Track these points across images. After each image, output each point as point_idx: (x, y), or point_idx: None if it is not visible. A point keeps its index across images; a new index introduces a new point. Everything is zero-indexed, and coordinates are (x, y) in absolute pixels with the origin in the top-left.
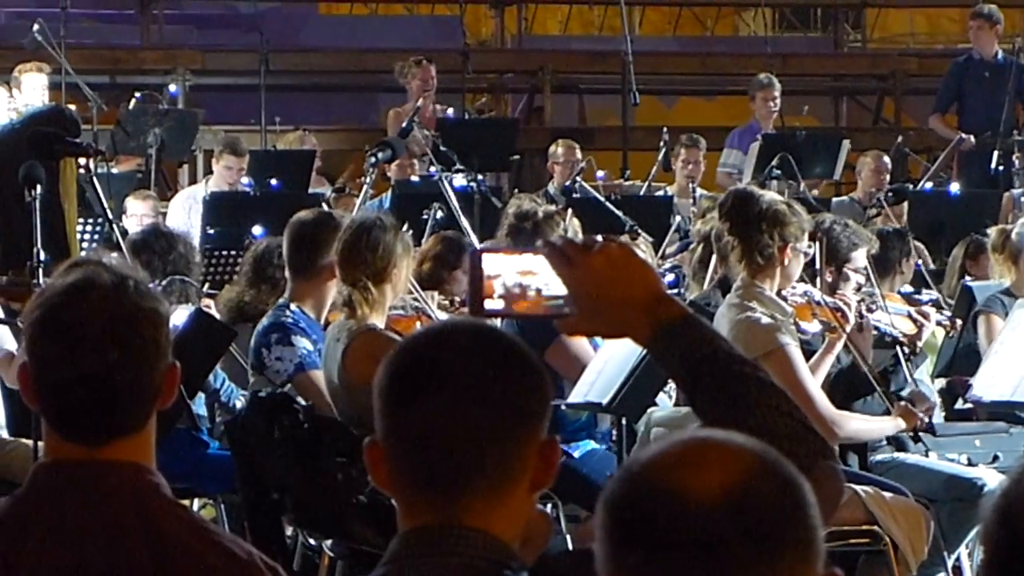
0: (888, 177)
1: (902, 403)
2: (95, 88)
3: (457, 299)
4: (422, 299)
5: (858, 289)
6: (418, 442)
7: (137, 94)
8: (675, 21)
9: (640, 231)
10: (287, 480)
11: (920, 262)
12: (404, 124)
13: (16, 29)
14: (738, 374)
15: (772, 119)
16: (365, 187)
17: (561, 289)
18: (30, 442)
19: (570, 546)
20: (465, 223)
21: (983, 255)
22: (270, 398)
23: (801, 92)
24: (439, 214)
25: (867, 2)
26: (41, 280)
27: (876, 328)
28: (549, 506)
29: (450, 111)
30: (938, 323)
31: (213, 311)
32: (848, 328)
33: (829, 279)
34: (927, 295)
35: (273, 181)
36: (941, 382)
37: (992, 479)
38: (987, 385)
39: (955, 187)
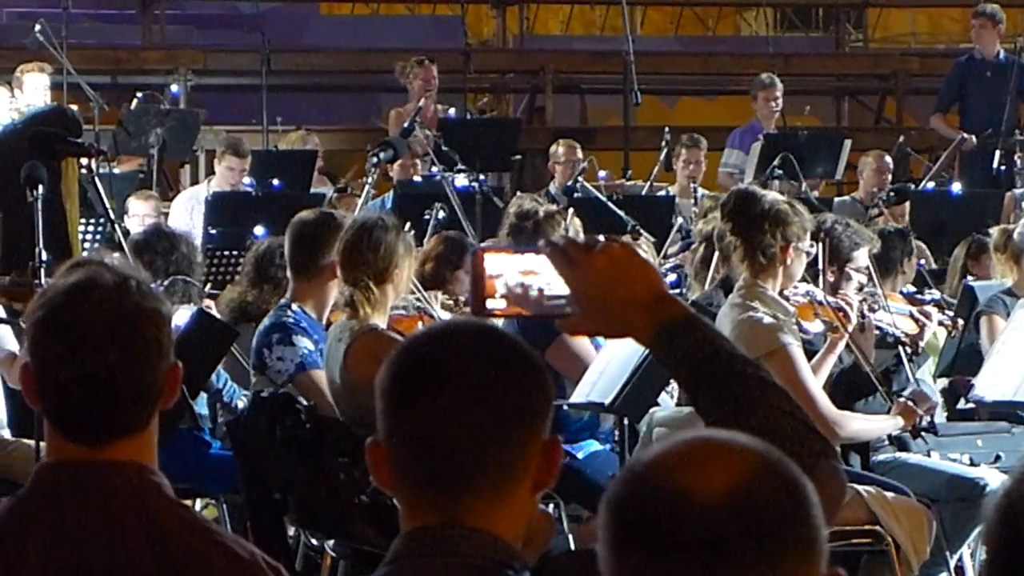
0: (890, 177)
1: (901, 400)
2: (97, 88)
3: (460, 299)
4: (424, 299)
5: (860, 289)
6: (420, 442)
7: (139, 94)
8: (677, 21)
9: (642, 231)
10: (289, 480)
11: (922, 262)
12: (406, 124)
13: (18, 29)
14: (740, 374)
15: (774, 119)
16: (367, 187)
17: (563, 289)
18: (32, 442)
19: (572, 546)
20: (467, 223)
21: (985, 255)
22: (272, 398)
23: (803, 92)
24: (441, 214)
25: (869, 2)
26: (43, 280)
27: (878, 328)
28: (551, 506)
29: (452, 111)
30: (940, 323)
31: (215, 311)
32: (850, 328)
33: (831, 279)
34: (929, 295)
35: (275, 181)
36: (943, 382)
37: (994, 479)
38: (989, 385)
39: (957, 187)
